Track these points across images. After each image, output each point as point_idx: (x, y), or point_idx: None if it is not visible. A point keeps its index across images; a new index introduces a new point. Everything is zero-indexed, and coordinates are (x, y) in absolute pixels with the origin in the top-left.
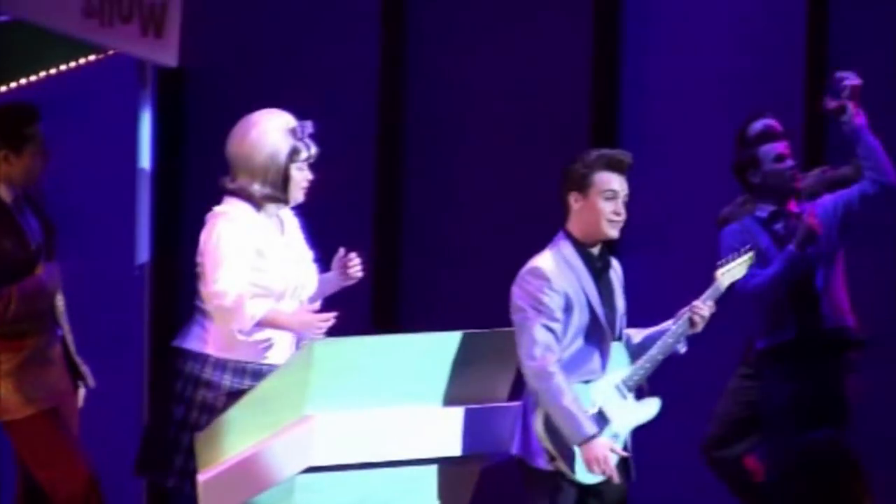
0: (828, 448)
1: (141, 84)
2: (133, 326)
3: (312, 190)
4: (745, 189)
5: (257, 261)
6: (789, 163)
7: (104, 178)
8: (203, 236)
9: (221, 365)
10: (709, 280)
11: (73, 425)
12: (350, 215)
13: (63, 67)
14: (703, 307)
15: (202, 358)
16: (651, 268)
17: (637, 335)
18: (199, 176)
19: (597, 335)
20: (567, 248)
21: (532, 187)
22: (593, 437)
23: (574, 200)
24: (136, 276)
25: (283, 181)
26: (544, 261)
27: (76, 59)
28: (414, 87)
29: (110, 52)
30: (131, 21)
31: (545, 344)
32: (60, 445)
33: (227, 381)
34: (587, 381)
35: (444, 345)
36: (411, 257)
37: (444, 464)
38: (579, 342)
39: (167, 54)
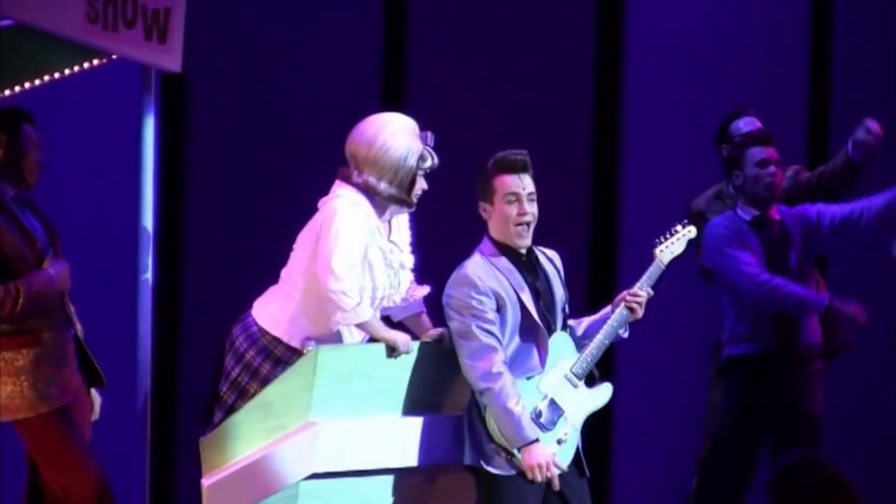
0: (807, 467)
1: (144, 89)
2: (136, 332)
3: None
4: (732, 188)
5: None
6: (771, 169)
7: (107, 183)
8: (322, 216)
9: (290, 351)
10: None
11: (85, 426)
12: None
13: (66, 72)
14: (641, 293)
15: (275, 339)
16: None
17: (579, 326)
18: (203, 180)
19: (532, 331)
20: (489, 250)
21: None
22: (533, 441)
23: (483, 210)
24: (139, 280)
25: (410, 183)
26: (468, 266)
27: (79, 64)
28: (415, 93)
29: (113, 57)
30: (135, 26)
31: (487, 345)
32: (72, 447)
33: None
34: (529, 378)
35: (448, 352)
36: None
37: (449, 471)
38: (516, 340)
39: (171, 59)
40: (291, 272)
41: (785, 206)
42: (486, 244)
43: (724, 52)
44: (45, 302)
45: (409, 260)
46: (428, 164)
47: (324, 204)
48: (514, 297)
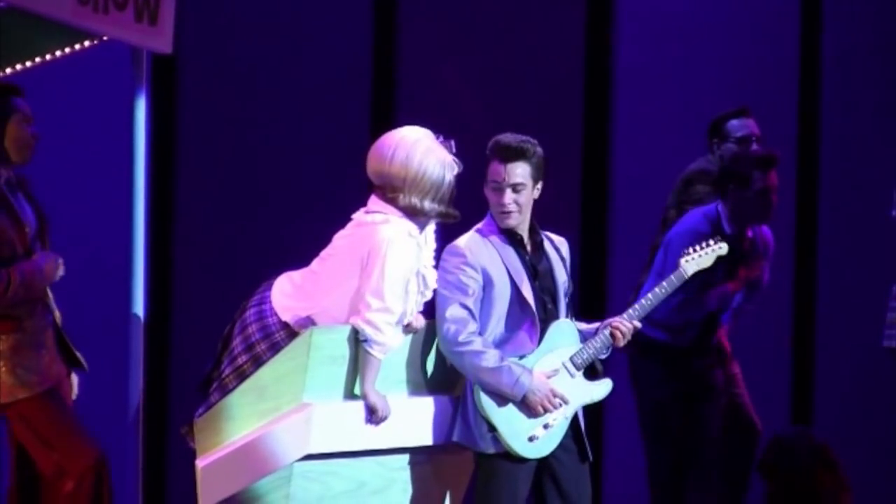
0: (800, 441)
1: (135, 71)
2: (128, 313)
3: (313, 180)
4: (719, 193)
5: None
6: (774, 199)
7: (98, 166)
8: (372, 241)
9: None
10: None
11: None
12: (344, 202)
13: (56, 54)
14: (625, 323)
15: (284, 324)
16: (641, 257)
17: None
18: (194, 162)
19: (524, 311)
20: (488, 226)
21: None
22: (531, 381)
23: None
24: (132, 263)
25: (451, 196)
26: (462, 239)
27: (70, 46)
28: (406, 76)
29: (104, 39)
30: (125, 8)
31: (458, 318)
32: (65, 422)
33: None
34: (522, 357)
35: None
36: None
37: (443, 452)
38: (505, 318)
39: (161, 41)
40: (324, 282)
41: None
42: (487, 221)
43: (714, 38)
44: (33, 291)
45: (433, 277)
46: (457, 171)
47: (367, 225)
48: (506, 275)
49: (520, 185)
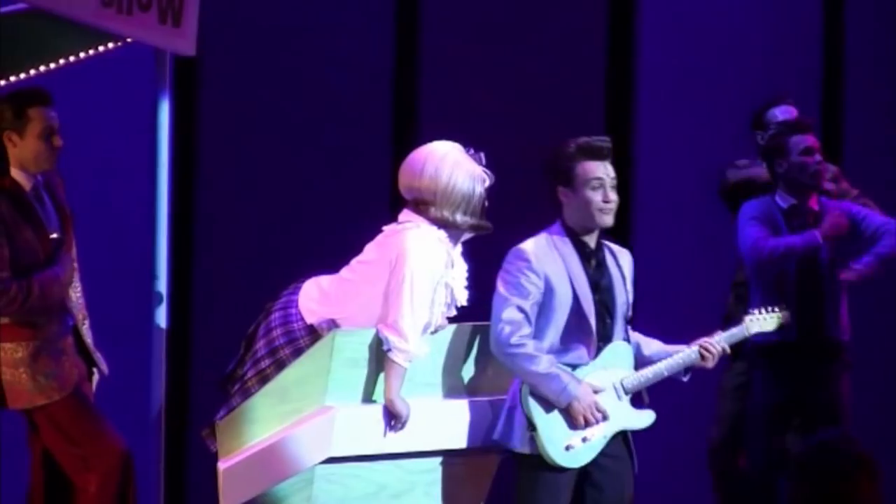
0: (841, 447)
1: (158, 73)
2: (150, 315)
3: (335, 183)
4: (770, 176)
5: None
6: (817, 157)
7: (121, 167)
8: (399, 249)
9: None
10: (718, 270)
11: None
12: (365, 205)
13: (80, 56)
14: (716, 345)
15: (310, 328)
16: (664, 256)
17: (648, 346)
18: (216, 165)
19: (582, 322)
20: (556, 234)
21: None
22: (579, 389)
23: (563, 195)
24: (153, 266)
25: (482, 208)
26: (528, 243)
27: (93, 48)
28: (428, 78)
29: (128, 41)
30: (149, 10)
31: (513, 320)
32: (90, 420)
33: None
34: (574, 367)
35: (464, 336)
36: None
37: (464, 455)
38: (563, 327)
39: (185, 43)
40: (352, 288)
41: (827, 199)
42: (556, 227)
43: (736, 38)
44: (51, 298)
45: (464, 296)
46: (488, 183)
47: (397, 233)
48: (568, 284)
49: (615, 182)
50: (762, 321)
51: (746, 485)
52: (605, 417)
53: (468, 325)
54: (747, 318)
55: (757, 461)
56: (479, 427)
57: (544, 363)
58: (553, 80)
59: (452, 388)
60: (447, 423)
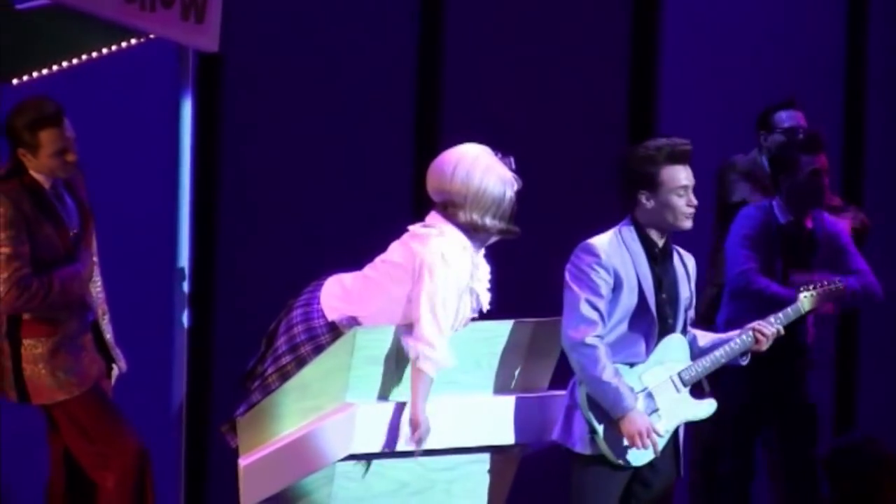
0: (868, 447)
1: (181, 69)
2: (172, 312)
3: (358, 182)
4: (772, 182)
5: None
6: (825, 180)
7: (143, 165)
8: (424, 255)
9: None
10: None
11: None
12: (388, 203)
13: (102, 52)
14: (769, 328)
15: (331, 325)
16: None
17: (703, 338)
18: (238, 162)
19: (644, 320)
20: (627, 231)
21: (572, 179)
22: (633, 409)
23: (645, 199)
24: (175, 262)
25: (511, 212)
26: (599, 238)
27: (116, 44)
28: (451, 77)
29: (150, 37)
30: (171, 6)
31: (586, 318)
32: (107, 418)
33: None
34: (632, 365)
35: (486, 333)
36: None
37: (485, 452)
38: (625, 324)
39: (208, 40)
40: (374, 287)
41: (826, 215)
42: (626, 225)
43: (759, 37)
44: (71, 294)
45: (487, 299)
46: (517, 187)
47: (422, 237)
48: (635, 281)
49: (693, 185)
50: (816, 297)
51: (720, 485)
52: (654, 445)
53: (489, 323)
54: (801, 296)
55: (727, 462)
56: (504, 424)
57: (607, 372)
58: (576, 81)
59: (478, 384)
60: (471, 421)
